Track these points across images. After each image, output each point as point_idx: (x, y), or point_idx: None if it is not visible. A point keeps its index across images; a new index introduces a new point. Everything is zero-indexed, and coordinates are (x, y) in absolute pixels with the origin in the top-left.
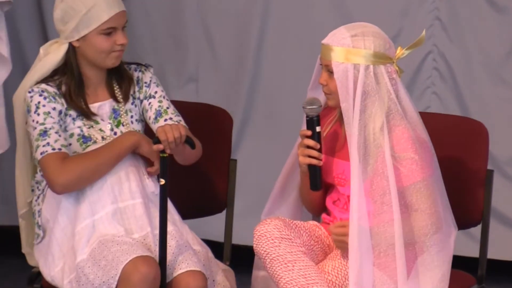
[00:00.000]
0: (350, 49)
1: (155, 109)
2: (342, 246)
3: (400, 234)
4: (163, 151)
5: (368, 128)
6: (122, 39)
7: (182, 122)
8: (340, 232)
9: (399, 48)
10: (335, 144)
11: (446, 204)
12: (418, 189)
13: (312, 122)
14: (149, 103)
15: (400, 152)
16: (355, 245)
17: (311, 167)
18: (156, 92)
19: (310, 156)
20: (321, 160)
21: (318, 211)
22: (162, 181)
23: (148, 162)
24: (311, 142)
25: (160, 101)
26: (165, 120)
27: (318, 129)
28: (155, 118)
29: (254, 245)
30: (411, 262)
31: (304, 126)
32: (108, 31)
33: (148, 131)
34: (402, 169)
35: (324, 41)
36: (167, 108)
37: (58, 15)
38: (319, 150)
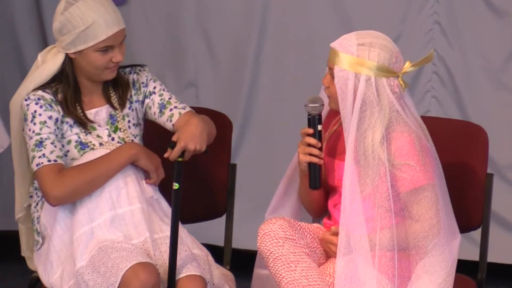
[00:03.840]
0: (353, 58)
1: (158, 103)
2: (330, 254)
3: (401, 239)
4: (180, 155)
5: (367, 139)
6: (118, 57)
7: (188, 109)
8: (328, 239)
9: (407, 62)
10: (338, 146)
11: (450, 212)
12: (419, 200)
13: (313, 120)
14: (151, 100)
15: (401, 161)
16: (343, 252)
17: (311, 165)
18: (155, 88)
19: (310, 155)
20: (321, 158)
21: (317, 212)
22: (176, 186)
23: (146, 173)
24: (312, 141)
25: (161, 94)
26: (170, 110)
27: (319, 127)
28: (160, 111)
29: (258, 244)
30: (412, 267)
31: (306, 126)
32: (105, 48)
33: (146, 135)
34: (403, 175)
35: (332, 44)
36: (169, 98)
37: (57, 26)
38: (320, 149)
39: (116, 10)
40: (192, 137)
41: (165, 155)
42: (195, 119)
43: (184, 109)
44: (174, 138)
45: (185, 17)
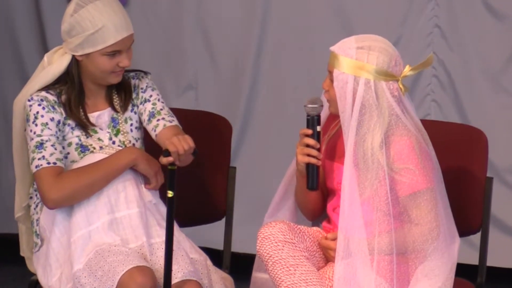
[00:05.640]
0: (352, 61)
1: (149, 111)
2: (329, 258)
3: (400, 243)
4: (172, 164)
5: (366, 143)
6: (125, 62)
7: (175, 123)
8: (326, 245)
9: (407, 66)
10: (338, 149)
11: (449, 216)
12: (419, 204)
13: (312, 121)
14: (144, 107)
15: (400, 164)
16: (342, 255)
17: (309, 166)
18: (151, 96)
19: (309, 155)
20: (319, 159)
21: (312, 214)
22: (170, 193)
23: (146, 178)
24: (311, 141)
25: (154, 104)
26: (158, 120)
27: (318, 128)
28: (149, 119)
29: (258, 247)
30: (412, 271)
31: (305, 126)
32: (113, 53)
33: (147, 137)
34: (402, 179)
35: (332, 47)
36: (161, 109)
37: (66, 28)
38: (318, 150)
39: (126, 15)
40: (177, 141)
41: (162, 162)
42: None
43: (171, 122)
44: (164, 147)
45: (185, 20)
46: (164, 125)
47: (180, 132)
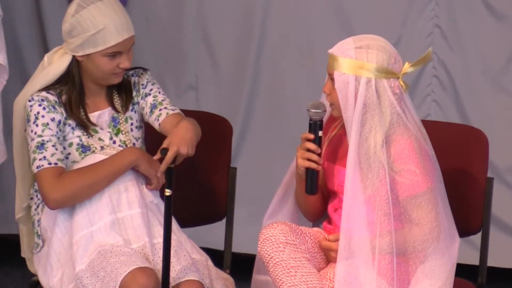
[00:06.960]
0: (352, 61)
1: (150, 103)
2: (330, 259)
3: (401, 243)
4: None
5: (369, 142)
6: (125, 63)
7: (177, 111)
8: (327, 246)
9: (406, 63)
10: (339, 151)
11: (449, 215)
12: (419, 204)
13: (315, 126)
14: (145, 101)
15: (401, 165)
16: (343, 256)
17: (308, 170)
18: (151, 90)
19: (309, 160)
20: (320, 164)
21: (313, 216)
22: (168, 192)
23: (147, 178)
24: (312, 146)
25: (155, 96)
26: (160, 110)
27: (320, 133)
28: (151, 111)
29: (259, 248)
30: (412, 271)
31: (306, 130)
32: (113, 54)
33: (147, 137)
34: (403, 180)
35: (330, 50)
36: (162, 100)
37: (67, 28)
38: (319, 155)
39: (127, 17)
40: (183, 141)
41: (155, 157)
42: (185, 123)
43: (173, 111)
44: (165, 144)
45: (186, 20)
46: (167, 113)
47: (182, 118)
